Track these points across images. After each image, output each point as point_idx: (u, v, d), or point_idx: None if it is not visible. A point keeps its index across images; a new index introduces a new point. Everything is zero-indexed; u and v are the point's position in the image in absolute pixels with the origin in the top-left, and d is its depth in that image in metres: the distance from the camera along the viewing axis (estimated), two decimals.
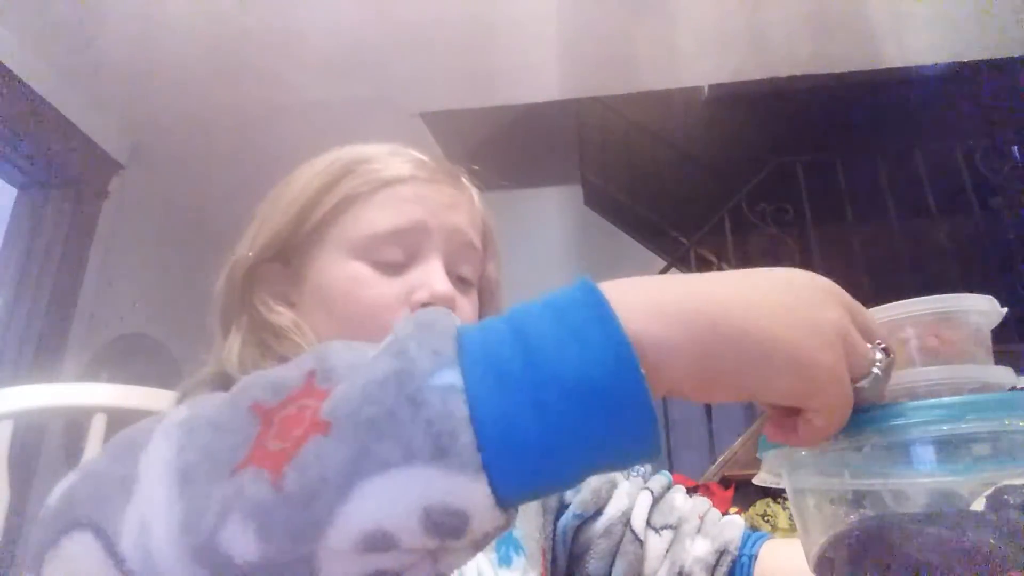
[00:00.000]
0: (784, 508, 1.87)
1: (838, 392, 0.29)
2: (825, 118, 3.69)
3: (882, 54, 2.52)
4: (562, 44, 2.37)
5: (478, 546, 0.27)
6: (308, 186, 0.60)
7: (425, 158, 0.63)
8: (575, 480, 0.27)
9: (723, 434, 2.91)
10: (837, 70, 2.60)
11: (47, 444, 2.18)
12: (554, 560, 0.64)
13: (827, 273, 0.33)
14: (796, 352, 0.28)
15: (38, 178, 2.43)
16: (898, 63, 2.62)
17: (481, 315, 0.63)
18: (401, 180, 0.59)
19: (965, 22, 2.37)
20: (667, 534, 0.63)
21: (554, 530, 0.65)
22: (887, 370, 0.31)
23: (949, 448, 0.31)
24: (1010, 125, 3.64)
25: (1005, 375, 0.36)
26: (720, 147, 4.12)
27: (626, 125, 4.05)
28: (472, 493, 0.24)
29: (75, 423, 0.89)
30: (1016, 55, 2.59)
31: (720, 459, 2.39)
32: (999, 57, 2.60)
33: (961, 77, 3.28)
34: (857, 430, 0.31)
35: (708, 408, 3.03)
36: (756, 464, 0.38)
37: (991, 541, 0.30)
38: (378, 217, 0.58)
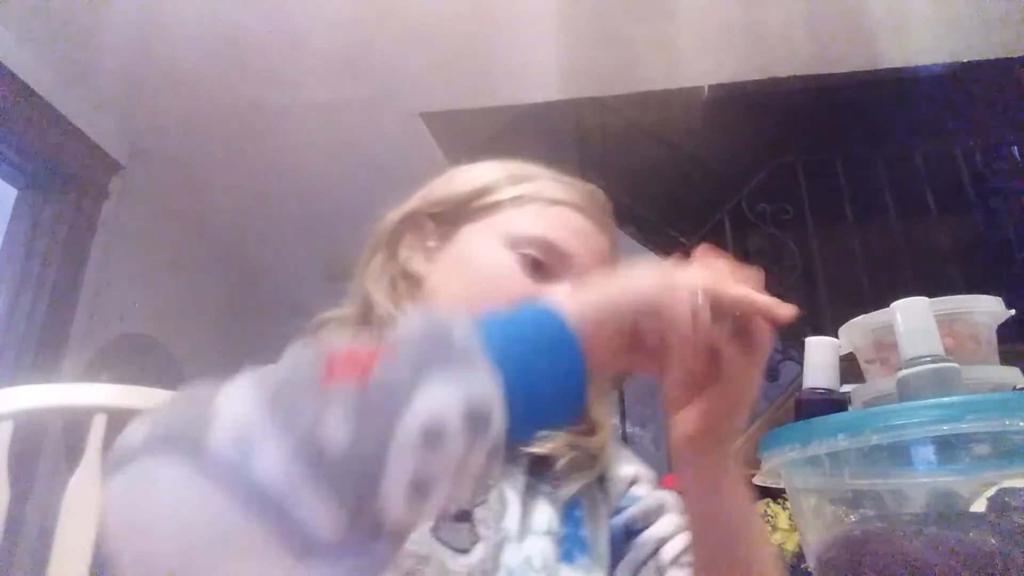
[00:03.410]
0: (784, 508, 1.87)
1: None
2: (825, 118, 3.69)
3: (882, 54, 2.52)
4: (562, 44, 2.37)
5: (492, 457, 0.35)
6: (493, 173, 0.67)
7: (605, 210, 0.69)
8: (536, 407, 0.37)
9: None
10: (837, 70, 2.60)
11: (47, 444, 2.18)
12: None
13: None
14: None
15: (38, 178, 2.43)
16: (898, 63, 2.62)
17: None
18: (580, 210, 0.66)
19: (965, 22, 2.37)
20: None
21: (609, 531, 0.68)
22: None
23: (949, 448, 0.31)
24: (1010, 125, 3.64)
25: (1011, 376, 0.36)
26: (720, 147, 4.12)
27: (626, 125, 4.05)
28: (492, 390, 0.34)
29: (75, 423, 0.89)
30: (1016, 55, 2.59)
31: None
32: (999, 57, 2.60)
33: (961, 77, 3.28)
34: (857, 430, 0.31)
35: None
36: (756, 464, 0.38)
37: (991, 541, 0.30)
38: (544, 226, 0.63)
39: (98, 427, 0.86)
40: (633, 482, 0.68)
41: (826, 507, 0.37)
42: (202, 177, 2.85)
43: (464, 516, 0.55)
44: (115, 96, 2.49)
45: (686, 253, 0.45)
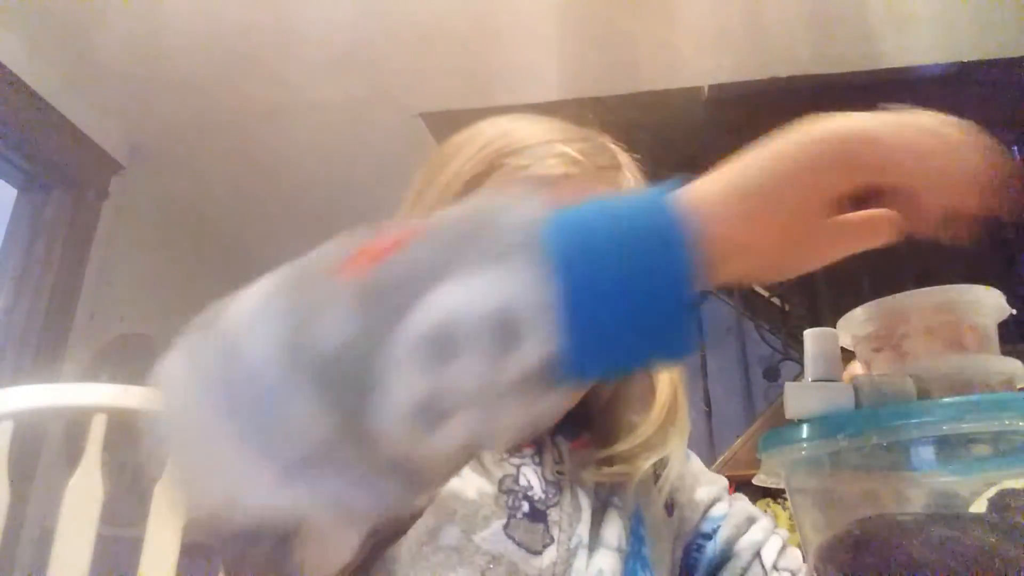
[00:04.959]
0: (784, 508, 1.87)
1: None
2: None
3: (882, 54, 2.52)
4: (562, 44, 2.37)
5: (536, 391, 0.27)
6: (459, 176, 0.58)
7: (578, 156, 0.60)
8: (618, 344, 0.27)
9: (723, 434, 2.91)
10: (837, 70, 2.60)
11: (47, 444, 2.18)
12: None
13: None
14: None
15: (38, 178, 2.43)
16: (898, 63, 2.62)
17: None
18: (551, 182, 0.57)
19: (965, 22, 2.37)
20: None
21: (685, 558, 0.66)
22: None
23: (949, 448, 0.31)
24: (1010, 125, 3.64)
25: (1014, 366, 0.36)
26: (720, 147, 4.11)
27: (626, 125, 4.04)
28: (537, 296, 0.26)
29: (75, 423, 0.89)
30: (1016, 55, 2.58)
31: (720, 459, 2.39)
32: (999, 57, 2.60)
33: (961, 77, 3.28)
34: (857, 430, 0.31)
35: (708, 408, 3.03)
36: (756, 464, 0.38)
37: (992, 541, 0.30)
38: None
39: (98, 427, 0.86)
40: (712, 504, 0.66)
41: (826, 507, 0.37)
42: (202, 177, 2.84)
43: (539, 516, 0.53)
44: (115, 96, 2.49)
45: None
